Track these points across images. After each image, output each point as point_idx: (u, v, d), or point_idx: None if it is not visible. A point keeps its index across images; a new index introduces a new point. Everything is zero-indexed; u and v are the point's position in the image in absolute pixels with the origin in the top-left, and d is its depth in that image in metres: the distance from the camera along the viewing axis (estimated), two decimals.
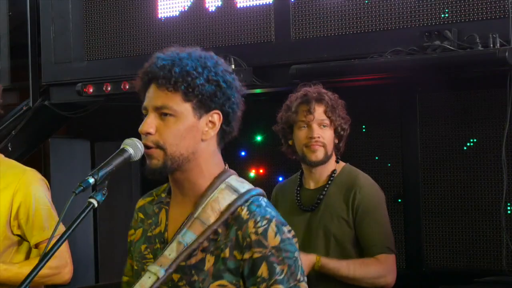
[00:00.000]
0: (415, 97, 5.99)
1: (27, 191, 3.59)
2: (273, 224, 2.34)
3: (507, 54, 4.60)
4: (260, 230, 2.32)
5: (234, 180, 2.44)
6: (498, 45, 4.71)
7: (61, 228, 3.68)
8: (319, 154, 3.84)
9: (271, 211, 2.37)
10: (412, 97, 6.00)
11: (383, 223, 3.81)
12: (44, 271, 3.58)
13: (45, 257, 2.24)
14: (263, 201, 2.40)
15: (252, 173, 6.65)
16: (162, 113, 2.37)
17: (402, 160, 6.05)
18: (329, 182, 3.86)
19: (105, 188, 2.29)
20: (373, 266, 3.73)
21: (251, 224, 2.33)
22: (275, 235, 2.33)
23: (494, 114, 5.51)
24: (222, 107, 2.41)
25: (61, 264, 3.58)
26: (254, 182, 6.46)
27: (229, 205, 2.37)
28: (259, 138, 6.69)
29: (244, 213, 2.35)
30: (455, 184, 5.81)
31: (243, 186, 2.43)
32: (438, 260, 5.87)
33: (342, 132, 3.86)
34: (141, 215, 2.58)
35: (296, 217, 3.90)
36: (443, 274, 5.81)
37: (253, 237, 2.32)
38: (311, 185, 3.92)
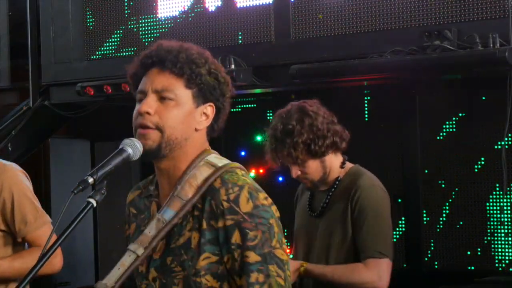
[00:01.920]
0: (415, 97, 5.99)
1: (9, 186, 3.62)
2: (245, 191, 2.34)
3: (507, 54, 4.59)
4: (232, 197, 2.33)
5: (213, 157, 2.46)
6: (498, 45, 4.71)
7: (47, 218, 3.70)
8: (307, 185, 3.86)
9: (245, 179, 2.38)
10: (412, 97, 6.00)
11: (378, 225, 3.73)
12: (33, 263, 3.61)
13: (44, 256, 2.24)
14: (239, 172, 2.41)
15: (252, 173, 6.65)
16: (162, 96, 2.39)
17: (402, 160, 6.05)
18: (333, 188, 3.83)
19: (104, 188, 2.30)
20: (358, 272, 3.67)
21: (223, 192, 2.34)
22: (247, 201, 2.33)
23: (494, 114, 5.50)
24: (217, 102, 2.45)
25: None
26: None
27: (206, 179, 2.39)
28: (259, 138, 6.69)
29: (217, 182, 2.37)
30: (455, 184, 5.81)
31: (222, 161, 2.45)
32: (438, 260, 5.87)
33: (320, 150, 3.74)
34: (133, 210, 2.60)
35: (305, 223, 3.90)
36: (443, 274, 5.81)
37: (225, 204, 2.33)
38: (321, 187, 3.90)
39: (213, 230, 2.34)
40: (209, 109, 2.44)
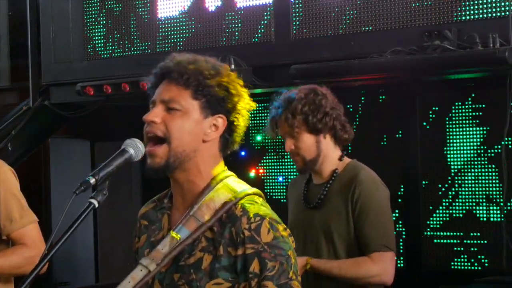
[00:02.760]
0: (415, 97, 5.99)
1: None
2: (266, 221, 2.35)
3: (507, 54, 4.60)
4: (253, 226, 2.34)
5: (232, 180, 2.47)
6: (498, 45, 4.71)
7: (34, 217, 3.70)
8: (298, 164, 3.85)
9: (266, 209, 2.40)
10: (412, 97, 6.00)
11: (381, 220, 3.76)
12: (17, 261, 3.62)
13: (45, 257, 2.23)
14: (258, 200, 2.42)
15: (252, 173, 6.65)
16: (169, 107, 2.40)
17: (402, 160, 6.05)
18: (332, 180, 3.85)
19: (106, 189, 2.30)
20: (365, 266, 3.71)
21: (244, 220, 2.35)
22: (268, 232, 2.35)
23: (494, 114, 5.51)
24: (228, 114, 2.45)
25: (35, 254, 3.60)
26: (254, 182, 6.48)
27: (224, 203, 2.39)
28: (259, 138, 6.70)
29: (238, 210, 2.38)
30: (455, 184, 5.81)
31: (240, 186, 2.45)
32: (438, 260, 5.87)
33: (317, 126, 3.77)
34: (144, 222, 2.60)
35: (300, 214, 3.90)
36: (443, 274, 5.81)
37: (246, 233, 2.34)
38: (316, 181, 3.91)
39: (230, 257, 2.35)
40: (220, 121, 2.44)
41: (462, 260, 5.77)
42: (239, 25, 5.82)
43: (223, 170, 2.48)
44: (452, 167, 5.82)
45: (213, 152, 2.46)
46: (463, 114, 5.81)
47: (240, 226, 2.34)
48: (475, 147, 5.74)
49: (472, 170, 5.75)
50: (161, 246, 2.41)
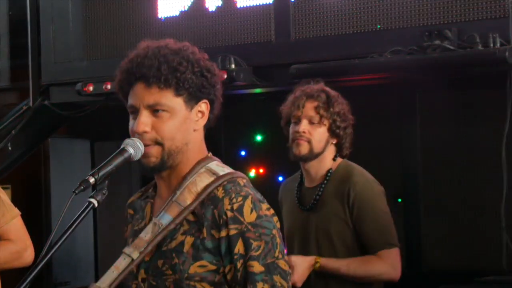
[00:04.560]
0: (415, 97, 6.00)
1: None
2: (248, 201, 2.33)
3: (507, 54, 4.60)
4: (236, 206, 2.32)
5: (215, 165, 2.45)
6: (498, 44, 4.71)
7: (16, 211, 3.72)
8: (303, 149, 3.81)
9: (248, 190, 2.37)
10: (412, 97, 6.00)
11: (382, 218, 3.78)
12: (4, 257, 3.64)
13: (44, 258, 2.23)
14: (241, 181, 2.40)
15: (252, 173, 6.66)
16: (155, 109, 2.39)
17: (402, 160, 6.06)
18: (325, 180, 3.84)
19: (105, 188, 2.29)
20: (374, 264, 3.72)
21: (226, 201, 2.33)
22: (251, 211, 2.32)
23: (494, 114, 5.51)
24: (209, 96, 2.44)
25: (21, 248, 3.63)
26: (254, 182, 6.47)
27: (206, 186, 2.37)
28: (259, 138, 6.69)
29: (220, 192, 2.36)
30: (455, 184, 5.81)
31: (223, 170, 2.43)
32: (438, 260, 5.87)
33: (338, 131, 3.80)
34: (130, 211, 2.61)
35: (296, 217, 3.90)
36: (443, 274, 5.81)
37: (229, 214, 2.31)
38: (308, 183, 3.91)
39: (214, 239, 2.32)
40: (204, 106, 2.43)
41: (462, 260, 5.77)
42: (239, 25, 5.81)
43: (206, 155, 2.47)
44: (452, 167, 5.82)
45: (201, 137, 2.46)
46: (463, 114, 5.82)
47: (222, 207, 2.32)
48: (474, 147, 5.74)
49: (472, 169, 5.75)
50: (144, 233, 2.39)
